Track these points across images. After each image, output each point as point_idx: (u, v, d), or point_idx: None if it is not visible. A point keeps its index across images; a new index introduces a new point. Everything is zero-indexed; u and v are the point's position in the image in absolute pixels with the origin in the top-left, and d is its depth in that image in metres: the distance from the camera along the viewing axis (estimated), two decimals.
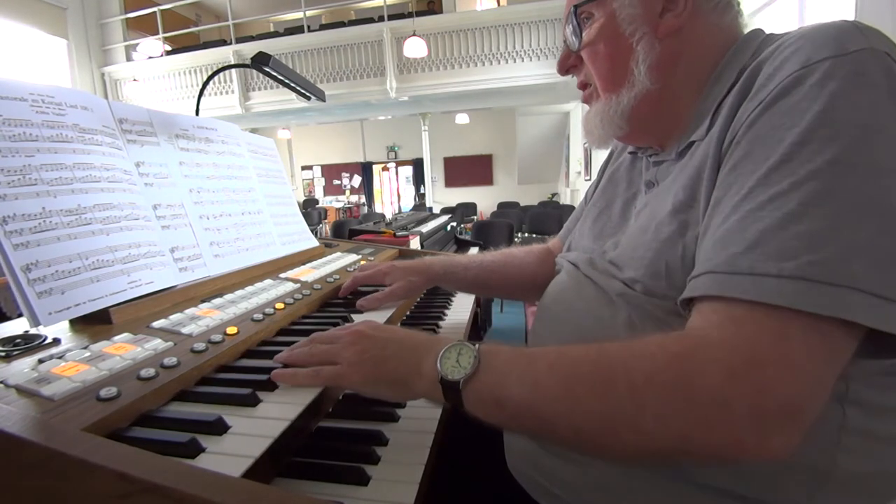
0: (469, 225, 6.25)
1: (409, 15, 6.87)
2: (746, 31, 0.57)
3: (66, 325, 0.59)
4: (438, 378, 0.46)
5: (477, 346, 0.47)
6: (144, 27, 8.08)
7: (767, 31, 0.54)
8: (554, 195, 10.37)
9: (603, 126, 0.60)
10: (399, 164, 12.16)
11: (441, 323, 0.95)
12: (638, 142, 0.64)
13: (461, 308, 1.03)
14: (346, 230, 2.30)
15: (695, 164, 0.50)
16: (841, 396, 0.42)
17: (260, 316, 0.68)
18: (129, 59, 8.03)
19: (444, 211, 7.23)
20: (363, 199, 12.23)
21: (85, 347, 0.53)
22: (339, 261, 1.12)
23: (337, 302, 0.87)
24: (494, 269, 0.89)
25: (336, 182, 12.34)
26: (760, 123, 0.43)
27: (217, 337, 0.59)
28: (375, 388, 0.52)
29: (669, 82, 0.56)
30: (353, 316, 0.78)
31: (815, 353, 0.36)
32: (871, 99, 0.39)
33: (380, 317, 0.79)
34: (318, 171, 12.44)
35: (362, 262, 1.12)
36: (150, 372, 0.48)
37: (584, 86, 0.65)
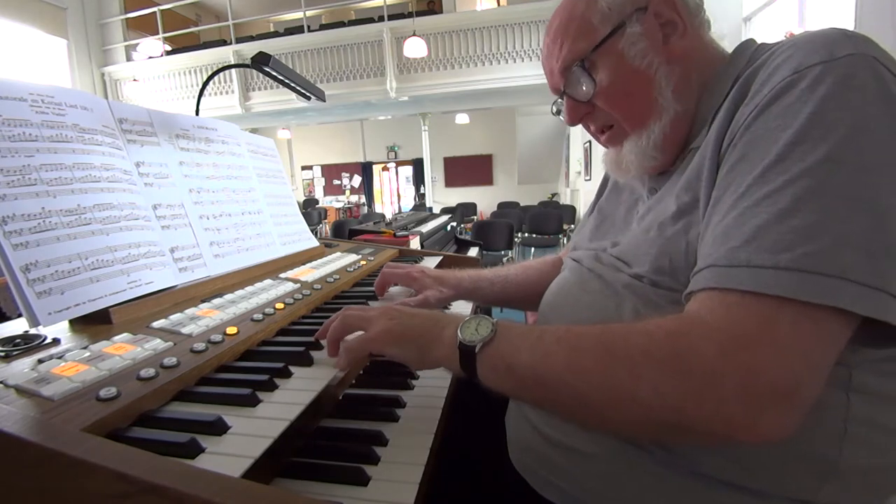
0: (469, 225, 6.24)
1: (409, 15, 6.87)
2: (722, 42, 0.60)
3: (65, 325, 0.59)
4: (457, 343, 0.50)
5: (495, 319, 0.51)
6: (144, 27, 8.09)
7: (759, 41, 0.56)
8: (554, 195, 10.37)
9: (638, 161, 0.60)
10: (399, 164, 12.16)
11: None
12: (666, 166, 0.62)
13: (460, 311, 1.03)
14: (346, 230, 2.30)
15: (694, 168, 0.52)
16: (845, 384, 0.43)
17: (260, 316, 0.68)
18: (129, 59, 8.03)
19: (444, 211, 7.23)
20: (363, 199, 12.23)
21: (85, 347, 0.53)
22: (339, 261, 1.12)
23: (336, 304, 0.87)
24: (518, 282, 0.91)
25: (336, 182, 12.34)
26: (756, 126, 0.45)
27: (217, 337, 0.59)
28: (402, 349, 0.55)
29: (688, 100, 0.58)
30: None
31: (805, 338, 0.37)
32: (860, 100, 0.41)
33: None
34: (318, 171, 12.43)
35: (362, 263, 1.12)
36: (149, 372, 0.48)
37: (603, 130, 0.65)
